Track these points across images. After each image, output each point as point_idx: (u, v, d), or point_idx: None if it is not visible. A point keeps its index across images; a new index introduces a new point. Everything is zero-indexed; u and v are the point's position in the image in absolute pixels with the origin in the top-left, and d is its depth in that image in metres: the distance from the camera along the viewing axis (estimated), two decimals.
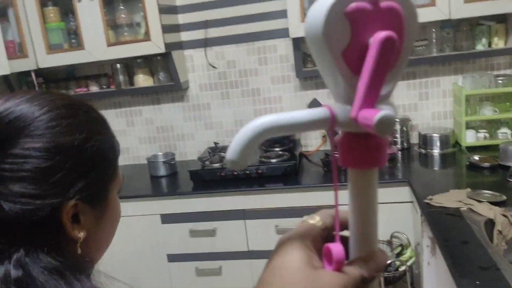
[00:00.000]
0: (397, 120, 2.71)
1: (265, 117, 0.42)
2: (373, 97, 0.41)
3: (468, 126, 2.60)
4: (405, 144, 2.73)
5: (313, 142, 2.92)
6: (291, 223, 2.38)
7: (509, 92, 2.57)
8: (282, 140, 2.75)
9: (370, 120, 0.39)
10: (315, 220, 0.50)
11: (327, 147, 2.84)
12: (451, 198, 1.92)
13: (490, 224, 1.73)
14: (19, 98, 0.60)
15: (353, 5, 0.40)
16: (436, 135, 2.60)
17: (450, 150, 2.60)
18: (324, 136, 2.87)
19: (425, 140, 2.64)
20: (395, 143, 2.70)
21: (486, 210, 1.77)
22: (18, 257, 0.54)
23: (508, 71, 2.65)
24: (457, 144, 2.65)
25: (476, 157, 2.36)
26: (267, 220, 2.42)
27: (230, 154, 0.42)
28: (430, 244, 1.90)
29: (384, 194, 2.30)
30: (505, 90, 2.55)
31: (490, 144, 2.54)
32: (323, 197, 2.32)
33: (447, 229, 1.69)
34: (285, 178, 2.47)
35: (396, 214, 2.32)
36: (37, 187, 0.56)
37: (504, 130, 2.59)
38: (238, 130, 0.44)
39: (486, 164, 2.27)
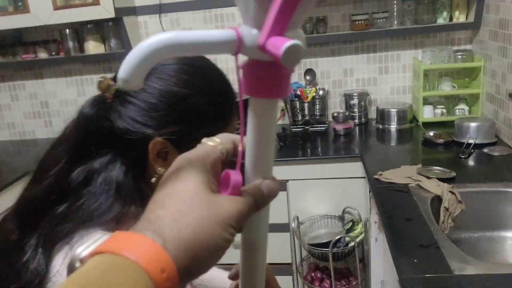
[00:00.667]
0: (355, 94, 2.65)
1: (164, 34, 0.38)
2: (283, 24, 0.37)
3: (426, 101, 2.57)
4: (362, 119, 2.69)
5: None
6: None
7: (468, 68, 2.53)
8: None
9: (278, 49, 0.36)
10: (216, 142, 0.47)
11: (285, 121, 2.77)
12: (401, 174, 1.88)
13: (437, 201, 1.70)
14: None
15: None
16: (393, 110, 2.56)
17: (407, 125, 2.57)
18: (282, 110, 2.80)
19: (383, 115, 2.59)
20: (353, 117, 2.65)
21: (434, 187, 1.74)
22: (103, 159, 0.70)
23: (468, 46, 2.61)
24: (414, 119, 2.62)
25: (431, 133, 2.33)
26: None
27: (122, 72, 0.38)
28: (378, 220, 1.87)
29: (338, 169, 2.26)
30: (463, 66, 2.51)
31: (447, 120, 2.52)
32: (277, 172, 2.25)
33: (393, 206, 1.65)
34: None
35: (349, 189, 2.28)
36: (140, 115, 0.71)
37: (461, 106, 2.56)
38: None
39: (440, 140, 2.24)
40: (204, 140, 0.47)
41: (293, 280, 2.43)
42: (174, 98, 0.72)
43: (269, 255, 0.53)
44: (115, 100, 0.72)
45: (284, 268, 2.40)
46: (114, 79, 0.74)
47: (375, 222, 1.88)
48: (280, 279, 0.82)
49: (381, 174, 1.88)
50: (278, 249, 2.34)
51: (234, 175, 0.44)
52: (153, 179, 0.73)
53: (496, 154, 2.04)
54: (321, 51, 2.72)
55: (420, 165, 1.95)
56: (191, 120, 0.73)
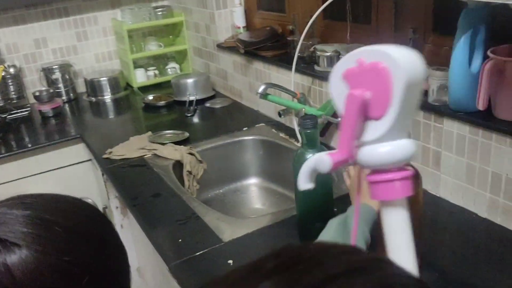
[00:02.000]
0: (56, 66, 2.27)
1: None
2: (347, 145, 0.56)
3: (136, 65, 2.39)
4: (71, 94, 2.33)
5: None
6: None
7: (170, 24, 2.45)
8: None
9: None
10: None
11: None
12: (132, 147, 1.67)
13: (179, 166, 1.57)
14: None
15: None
16: (104, 79, 2.29)
17: (122, 93, 2.35)
18: None
19: (93, 86, 2.30)
20: (59, 94, 2.27)
21: (172, 152, 1.60)
22: None
23: (165, 2, 2.51)
24: (128, 86, 2.42)
25: (151, 97, 2.18)
26: None
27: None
28: (119, 204, 1.64)
29: (58, 156, 1.91)
30: (165, 22, 2.41)
31: (161, 81, 2.41)
32: None
33: (134, 184, 1.44)
34: None
35: (76, 177, 1.95)
36: None
37: (172, 65, 2.49)
38: None
39: (162, 103, 2.12)
40: None
41: None
42: None
43: None
44: None
45: None
46: None
47: (117, 207, 1.64)
48: None
49: (111, 152, 1.63)
50: None
51: None
52: None
53: (218, 106, 2.03)
54: (1, 20, 2.20)
55: (150, 133, 1.78)
56: None
